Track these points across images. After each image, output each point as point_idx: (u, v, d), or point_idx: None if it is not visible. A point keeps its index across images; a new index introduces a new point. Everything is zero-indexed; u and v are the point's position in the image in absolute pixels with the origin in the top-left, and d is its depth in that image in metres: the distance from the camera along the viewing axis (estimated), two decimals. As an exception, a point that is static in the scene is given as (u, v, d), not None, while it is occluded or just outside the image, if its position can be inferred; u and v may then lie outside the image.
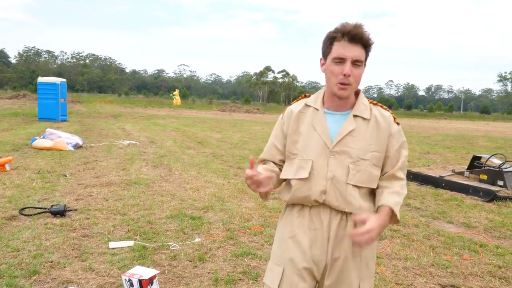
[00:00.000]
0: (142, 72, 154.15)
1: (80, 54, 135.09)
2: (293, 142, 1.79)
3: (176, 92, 50.58)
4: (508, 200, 6.68)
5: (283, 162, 1.86)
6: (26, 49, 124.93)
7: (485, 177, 7.32)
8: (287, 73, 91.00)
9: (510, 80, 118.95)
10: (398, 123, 1.79)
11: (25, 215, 5.05)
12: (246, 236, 4.62)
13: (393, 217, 1.71)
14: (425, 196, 6.99)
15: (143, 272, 3.12)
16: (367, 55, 1.69)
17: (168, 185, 6.99)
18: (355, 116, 1.72)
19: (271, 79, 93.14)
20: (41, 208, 5.25)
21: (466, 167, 8.22)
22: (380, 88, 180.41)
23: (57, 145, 10.42)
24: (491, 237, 4.95)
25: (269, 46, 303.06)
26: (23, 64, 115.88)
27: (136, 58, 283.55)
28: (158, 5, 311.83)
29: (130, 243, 4.23)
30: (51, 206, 5.23)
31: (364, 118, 1.72)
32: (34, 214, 5.06)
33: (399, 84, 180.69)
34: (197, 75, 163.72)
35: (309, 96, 1.87)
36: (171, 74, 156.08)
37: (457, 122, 45.78)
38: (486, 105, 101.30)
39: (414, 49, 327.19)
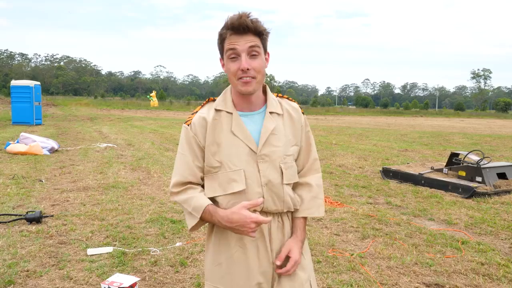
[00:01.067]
0: (118, 74, 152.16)
1: (54, 57, 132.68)
2: (212, 154, 1.60)
3: (153, 93, 50.00)
4: (486, 196, 6.79)
5: (203, 179, 1.67)
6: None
7: (463, 173, 7.42)
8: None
9: (482, 77, 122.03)
10: (303, 113, 1.77)
11: (0, 222, 4.86)
12: (229, 239, 4.53)
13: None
14: (405, 193, 7.04)
15: (123, 279, 3.02)
16: (263, 42, 1.57)
17: (147, 188, 6.85)
18: (271, 113, 1.64)
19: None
20: (16, 215, 5.07)
21: (445, 164, 8.33)
22: (357, 87, 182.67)
23: (32, 149, 10.14)
24: (472, 234, 5.00)
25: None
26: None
27: (112, 60, 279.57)
28: (131, 5, 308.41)
29: (109, 249, 4.10)
30: (27, 212, 5.05)
31: (278, 114, 1.66)
32: (8, 222, 4.88)
33: (375, 82, 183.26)
34: (174, 76, 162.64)
35: (214, 100, 1.71)
36: (148, 76, 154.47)
37: (433, 119, 46.60)
38: (460, 102, 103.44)
39: (389, 48, 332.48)
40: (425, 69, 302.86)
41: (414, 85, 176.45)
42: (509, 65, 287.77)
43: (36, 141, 10.55)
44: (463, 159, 7.88)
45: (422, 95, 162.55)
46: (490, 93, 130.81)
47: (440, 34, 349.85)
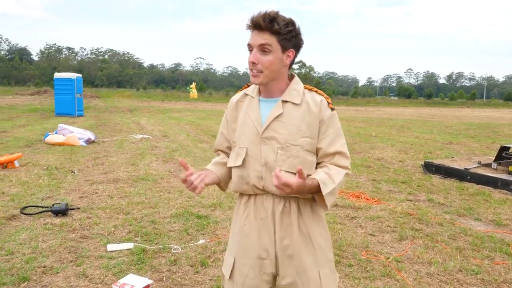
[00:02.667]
0: (160, 66, 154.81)
1: (99, 50, 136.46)
2: (233, 130, 1.81)
3: (193, 85, 50.54)
4: (540, 194, 6.19)
5: (230, 149, 1.86)
6: (47, 46, 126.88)
7: (514, 169, 6.82)
8: (304, 64, 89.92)
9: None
10: (332, 108, 1.73)
11: (26, 214, 4.82)
12: (255, 237, 4.28)
13: (319, 197, 1.64)
14: (449, 190, 6.54)
15: (136, 281, 2.83)
16: (282, 41, 1.63)
17: (176, 181, 6.70)
18: (284, 101, 1.70)
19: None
20: (42, 207, 5.02)
21: (494, 158, 7.70)
22: (399, 77, 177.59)
23: (69, 140, 10.27)
24: (524, 236, 4.50)
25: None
26: (45, 61, 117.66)
27: (153, 53, 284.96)
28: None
29: (130, 245, 3.94)
30: (53, 205, 4.99)
31: (294, 103, 1.69)
32: (35, 214, 4.83)
33: (419, 72, 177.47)
34: (213, 68, 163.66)
35: (249, 86, 1.85)
36: (188, 68, 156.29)
37: (481, 110, 44.45)
38: (511, 92, 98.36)
39: (433, 37, 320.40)
40: (472, 57, 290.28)
41: (460, 75, 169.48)
42: None
43: (73, 132, 10.68)
44: (515, 153, 7.25)
45: (468, 85, 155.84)
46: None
47: (488, 20, 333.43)
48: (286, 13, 1.67)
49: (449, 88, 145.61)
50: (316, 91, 1.75)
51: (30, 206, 5.06)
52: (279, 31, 1.61)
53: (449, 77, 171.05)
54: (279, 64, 1.66)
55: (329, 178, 1.63)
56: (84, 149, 9.67)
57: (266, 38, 1.62)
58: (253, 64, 1.64)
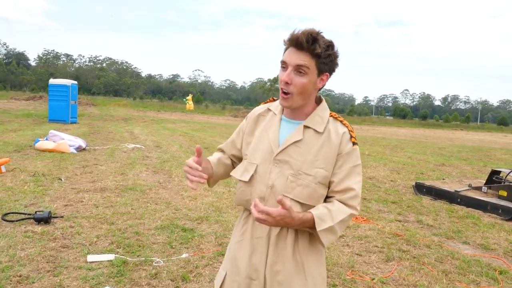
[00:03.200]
0: (158, 76, 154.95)
1: (97, 58, 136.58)
2: (247, 143, 1.73)
3: (189, 97, 50.52)
4: (529, 219, 6.16)
5: (235, 157, 1.84)
6: (46, 52, 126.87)
7: (504, 193, 6.80)
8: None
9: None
10: (355, 143, 1.62)
11: (7, 221, 4.72)
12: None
13: (315, 231, 1.52)
14: (439, 212, 6.50)
15: (112, 295, 2.74)
16: (319, 64, 1.54)
17: (165, 192, 6.62)
18: (306, 127, 1.61)
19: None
20: (25, 214, 4.93)
21: (484, 181, 7.70)
22: (395, 97, 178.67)
23: (59, 147, 10.16)
24: (512, 262, 4.46)
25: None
26: (42, 66, 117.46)
27: (152, 63, 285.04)
28: (175, 10, 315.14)
29: (111, 256, 3.86)
30: (35, 212, 4.89)
31: (316, 131, 1.60)
32: (16, 220, 4.73)
33: (415, 93, 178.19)
34: (211, 81, 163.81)
35: (275, 100, 1.77)
36: (186, 79, 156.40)
37: (474, 134, 44.71)
38: (504, 117, 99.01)
39: (430, 58, 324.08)
40: (468, 81, 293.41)
41: (455, 98, 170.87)
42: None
43: (64, 139, 10.59)
44: (505, 177, 7.24)
45: (463, 108, 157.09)
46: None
47: (485, 45, 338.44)
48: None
49: (444, 110, 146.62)
50: (341, 121, 1.66)
51: (12, 213, 4.96)
52: (320, 54, 1.52)
53: (445, 99, 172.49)
54: (311, 88, 1.58)
55: (328, 214, 1.54)
56: (74, 157, 9.58)
57: (305, 60, 1.52)
58: (285, 84, 1.54)
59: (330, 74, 1.61)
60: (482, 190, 7.25)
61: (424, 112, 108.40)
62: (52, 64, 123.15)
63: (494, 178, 7.39)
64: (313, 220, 1.50)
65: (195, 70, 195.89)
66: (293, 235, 1.59)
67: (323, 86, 1.62)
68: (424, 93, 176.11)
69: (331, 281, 3.62)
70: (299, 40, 1.50)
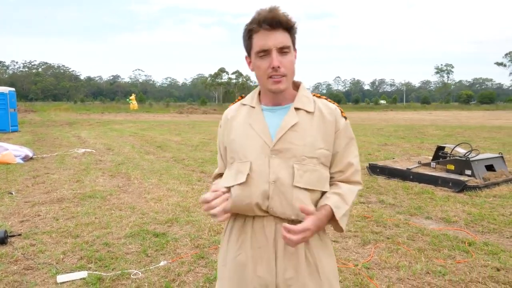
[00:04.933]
0: (97, 78, 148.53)
1: (32, 63, 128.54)
2: (230, 143, 1.51)
3: (133, 96, 48.83)
4: (477, 189, 6.37)
5: None
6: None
7: (452, 167, 7.00)
8: (240, 74, 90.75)
9: (446, 71, 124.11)
10: (345, 117, 1.51)
11: (-42, 246, 4.12)
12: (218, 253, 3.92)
13: (334, 222, 1.42)
14: (396, 190, 6.56)
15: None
16: (293, 38, 1.41)
17: (127, 196, 6.16)
18: (297, 109, 1.45)
19: (226, 80, 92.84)
20: (-23, 236, 4.33)
21: (431, 157, 7.90)
22: (329, 84, 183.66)
23: (3, 158, 9.26)
24: (475, 233, 4.52)
25: (221, 48, 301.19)
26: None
27: (91, 65, 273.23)
28: (109, 11, 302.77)
29: (83, 274, 3.44)
30: (-11, 233, 4.31)
31: (307, 111, 1.45)
32: (-32, 244, 4.14)
33: (346, 79, 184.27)
34: (152, 79, 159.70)
35: (245, 97, 1.59)
36: (127, 79, 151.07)
37: (403, 113, 46.81)
38: (426, 96, 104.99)
39: (358, 47, 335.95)
40: (392, 65, 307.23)
41: (382, 81, 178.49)
42: (469, 60, 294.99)
43: (8, 150, 9.66)
44: (451, 152, 7.46)
45: (390, 90, 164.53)
46: (452, 86, 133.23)
47: (405, 32, 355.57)
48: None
49: (373, 93, 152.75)
50: (326, 99, 1.53)
51: (-38, 236, 4.35)
52: (293, 27, 1.39)
53: (373, 83, 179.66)
54: (294, 66, 1.42)
55: (341, 200, 1.42)
56: (22, 167, 8.75)
57: (285, 37, 1.38)
58: (276, 69, 1.37)
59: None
60: (431, 166, 7.42)
61: (356, 97, 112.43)
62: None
63: (440, 153, 7.59)
64: (332, 211, 1.38)
65: (135, 70, 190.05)
66: None
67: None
68: (354, 78, 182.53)
69: (317, 273, 3.45)
70: (277, 17, 1.35)
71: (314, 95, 1.54)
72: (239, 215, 1.48)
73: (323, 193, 1.45)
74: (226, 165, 1.57)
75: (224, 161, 1.60)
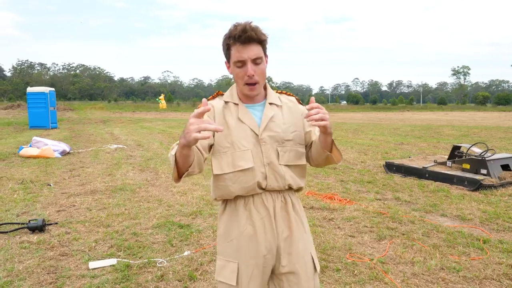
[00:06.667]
0: (129, 79, 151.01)
1: (71, 65, 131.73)
2: (224, 135, 1.62)
3: (162, 96, 49.34)
4: (493, 188, 6.16)
5: (205, 150, 1.58)
6: (20, 62, 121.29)
7: (468, 166, 6.79)
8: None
9: (462, 73, 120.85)
10: (302, 104, 1.78)
11: (1, 232, 4.24)
12: (239, 245, 3.91)
13: (334, 147, 1.62)
14: (412, 188, 6.41)
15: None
16: (264, 48, 1.60)
17: (154, 189, 6.22)
18: (270, 104, 1.69)
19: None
20: (18, 224, 4.46)
21: (447, 157, 7.69)
22: (347, 86, 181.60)
23: (43, 152, 9.52)
24: (490, 231, 4.37)
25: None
26: (18, 76, 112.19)
27: (123, 67, 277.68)
28: (138, 16, 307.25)
29: (113, 261, 3.49)
30: (29, 221, 4.42)
31: (277, 105, 1.70)
32: (10, 231, 4.26)
33: (364, 81, 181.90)
34: (180, 80, 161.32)
35: (222, 94, 1.74)
36: (156, 80, 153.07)
37: (420, 113, 45.86)
38: (443, 97, 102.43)
39: (376, 50, 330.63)
40: (409, 67, 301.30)
41: (399, 83, 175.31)
42: (485, 62, 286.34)
43: (47, 145, 9.93)
44: (467, 151, 7.24)
45: (407, 91, 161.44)
46: (469, 88, 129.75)
47: (422, 35, 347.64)
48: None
49: (390, 94, 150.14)
50: (285, 93, 1.80)
51: (4, 224, 4.48)
52: (264, 40, 1.57)
53: (390, 84, 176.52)
54: (265, 71, 1.63)
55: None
56: (60, 161, 8.97)
57: (258, 50, 1.56)
58: (251, 76, 1.56)
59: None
60: (447, 164, 7.22)
61: (373, 97, 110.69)
62: (27, 73, 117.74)
63: (456, 153, 7.37)
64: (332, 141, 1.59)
65: (165, 71, 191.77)
66: (290, 201, 1.67)
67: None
68: (372, 80, 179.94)
69: (334, 266, 3.39)
70: (251, 36, 1.51)
71: (276, 91, 1.78)
72: (239, 197, 1.63)
73: (302, 166, 1.69)
74: (203, 148, 1.56)
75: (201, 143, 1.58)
